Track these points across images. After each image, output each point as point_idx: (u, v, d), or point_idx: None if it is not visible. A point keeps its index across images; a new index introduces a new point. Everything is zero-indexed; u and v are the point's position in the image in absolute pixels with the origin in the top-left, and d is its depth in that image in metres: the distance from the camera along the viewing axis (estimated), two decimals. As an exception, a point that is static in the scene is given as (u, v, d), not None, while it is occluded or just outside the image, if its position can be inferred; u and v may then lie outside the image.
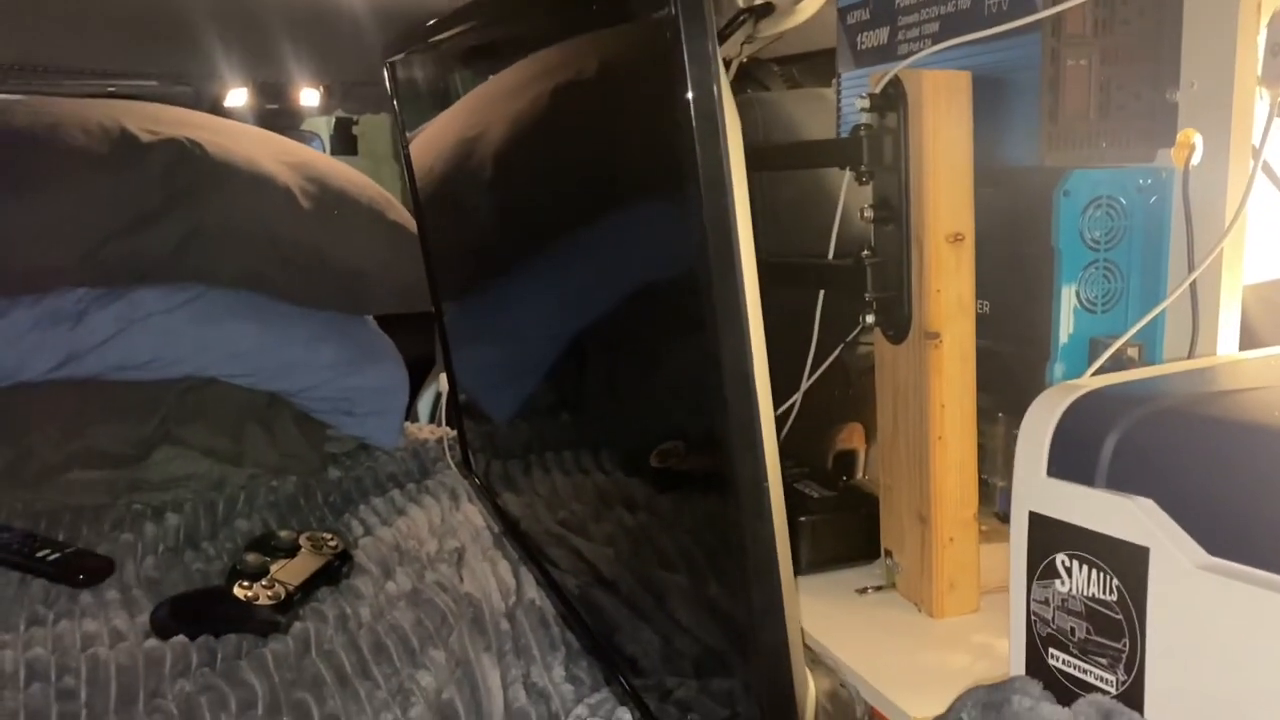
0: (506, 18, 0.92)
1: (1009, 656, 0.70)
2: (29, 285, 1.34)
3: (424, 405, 2.19)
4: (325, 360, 1.45)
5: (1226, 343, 0.84)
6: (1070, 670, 0.65)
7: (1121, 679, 0.61)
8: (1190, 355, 0.84)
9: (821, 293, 1.07)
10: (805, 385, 1.10)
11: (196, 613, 1.03)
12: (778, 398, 1.11)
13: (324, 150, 2.73)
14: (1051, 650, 0.66)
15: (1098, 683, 0.63)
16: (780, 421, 1.13)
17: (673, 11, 0.52)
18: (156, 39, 1.85)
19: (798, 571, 0.98)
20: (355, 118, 2.74)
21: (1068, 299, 0.87)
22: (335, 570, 1.12)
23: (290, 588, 1.05)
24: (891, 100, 0.86)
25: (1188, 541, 0.57)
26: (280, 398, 1.46)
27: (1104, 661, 0.62)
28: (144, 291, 1.36)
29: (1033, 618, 0.67)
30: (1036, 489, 0.66)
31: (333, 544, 1.15)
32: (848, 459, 1.24)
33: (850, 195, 0.96)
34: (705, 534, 0.73)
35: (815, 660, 0.85)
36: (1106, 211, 0.86)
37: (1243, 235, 0.83)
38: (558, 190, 0.92)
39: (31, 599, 1.09)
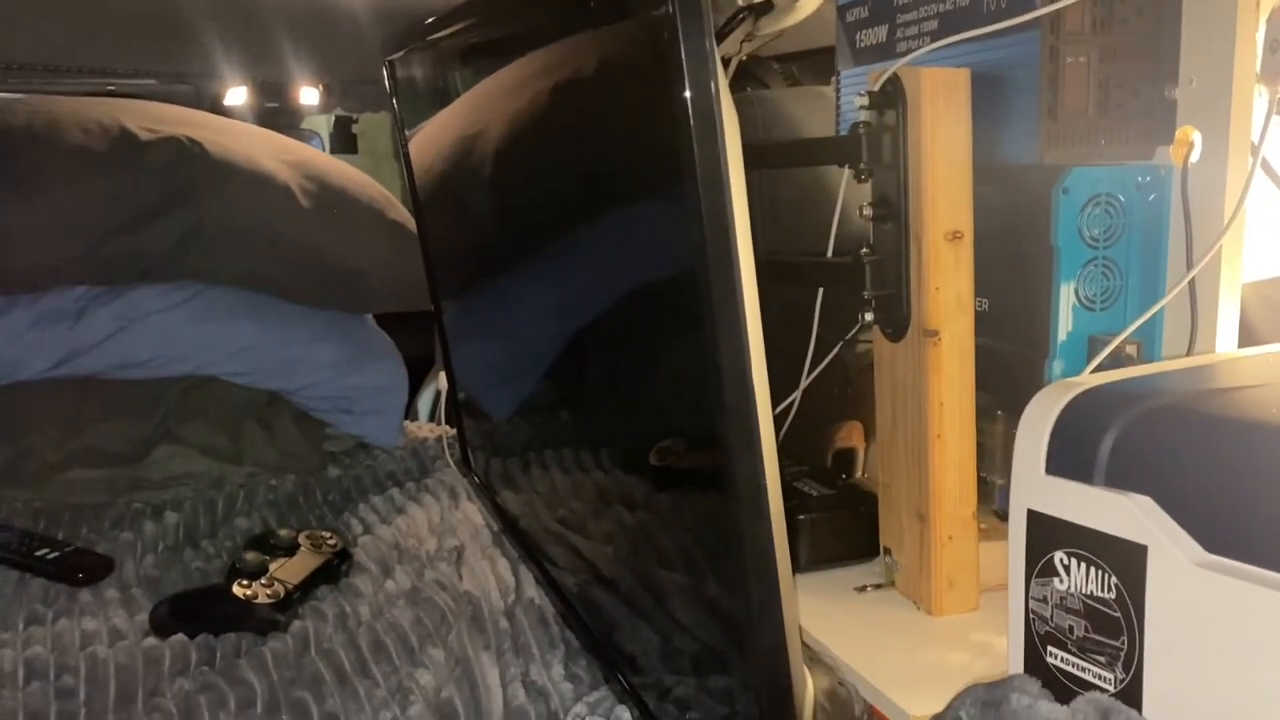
0: (505, 16, 0.92)
1: (1008, 654, 0.70)
2: (28, 284, 1.34)
3: (424, 403, 2.19)
4: (324, 359, 1.45)
5: (1225, 340, 0.84)
6: (1068, 668, 0.65)
7: (1120, 677, 0.61)
8: (1189, 353, 0.84)
9: (820, 290, 1.07)
10: (804, 383, 1.10)
11: (196, 611, 1.03)
12: (777, 396, 1.11)
13: (323, 149, 2.73)
14: (1050, 648, 0.66)
15: (1096, 681, 0.63)
16: (779, 419, 1.13)
17: (670, 9, 0.52)
18: (156, 38, 1.85)
19: (797, 569, 0.98)
20: (355, 116, 2.74)
21: (1066, 296, 0.87)
22: (334, 569, 1.12)
23: (289, 586, 1.05)
24: (890, 98, 0.85)
25: (1186, 539, 0.57)
26: (280, 396, 1.46)
27: (1102, 659, 0.62)
28: (143, 290, 1.36)
29: (1031, 616, 0.67)
30: (1035, 487, 0.66)
31: (332, 542, 1.15)
32: (847, 457, 1.24)
33: (849, 193, 0.96)
34: (704, 532, 0.73)
35: (814, 658, 0.85)
36: (1105, 209, 0.86)
37: (1241, 233, 0.83)
38: (556, 189, 0.92)
39: (30, 597, 1.09)
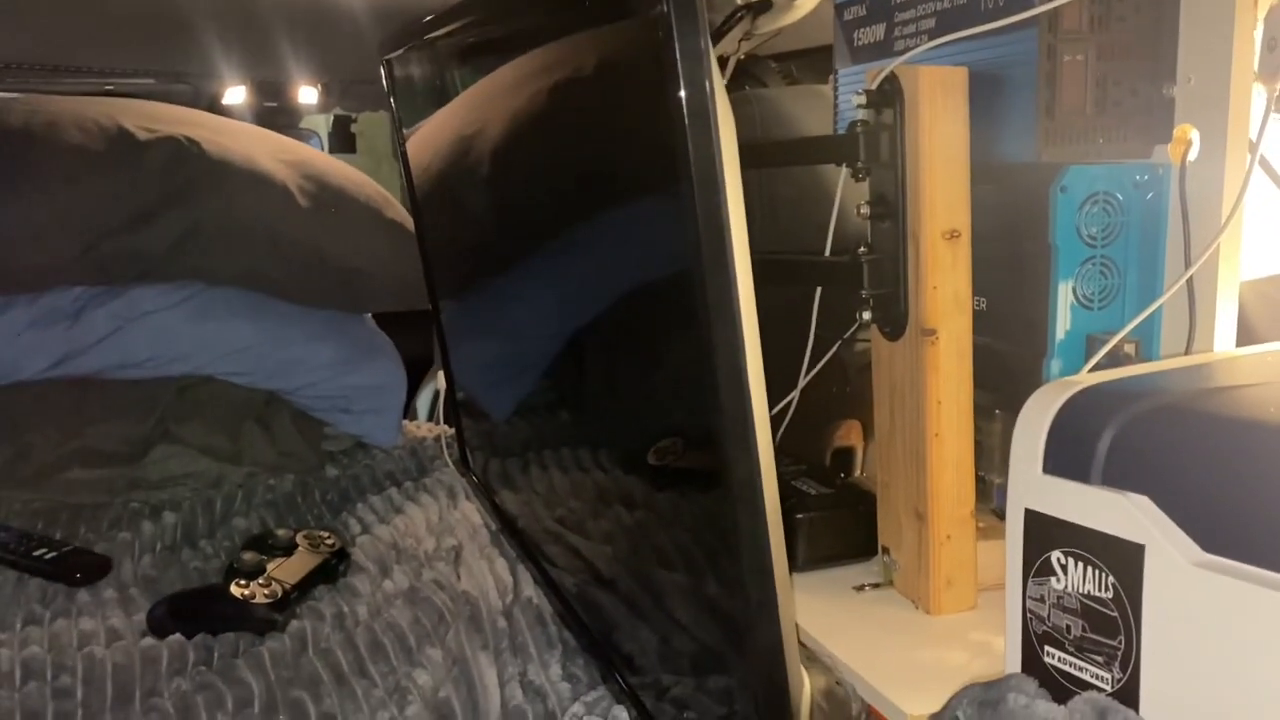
0: (502, 15, 0.92)
1: (1005, 654, 0.70)
2: (26, 283, 1.34)
3: (423, 403, 2.19)
4: (323, 358, 1.45)
5: (1223, 339, 0.84)
6: (1066, 668, 0.64)
7: (1117, 676, 0.61)
8: (1187, 351, 0.84)
9: (819, 289, 1.07)
10: (803, 382, 1.10)
11: (193, 611, 1.02)
12: (775, 395, 1.11)
13: (322, 148, 2.73)
14: (1047, 648, 0.66)
15: (1093, 680, 0.63)
16: (778, 418, 1.13)
17: (665, 9, 0.52)
18: (155, 37, 1.85)
19: (795, 569, 0.98)
20: (354, 115, 2.74)
21: (1064, 295, 0.87)
22: (332, 569, 1.12)
23: (287, 586, 1.05)
24: (888, 96, 0.85)
25: (1183, 539, 0.57)
26: (278, 396, 1.46)
27: (1099, 659, 0.62)
28: (141, 290, 1.36)
29: (1029, 615, 0.67)
30: (1032, 486, 0.66)
31: (330, 542, 1.14)
32: (846, 456, 1.24)
33: (847, 192, 0.96)
34: (701, 531, 0.73)
35: (811, 658, 0.85)
36: (1103, 207, 0.86)
37: (1239, 231, 0.83)
38: (554, 188, 0.92)
39: (28, 597, 1.09)
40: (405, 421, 1.59)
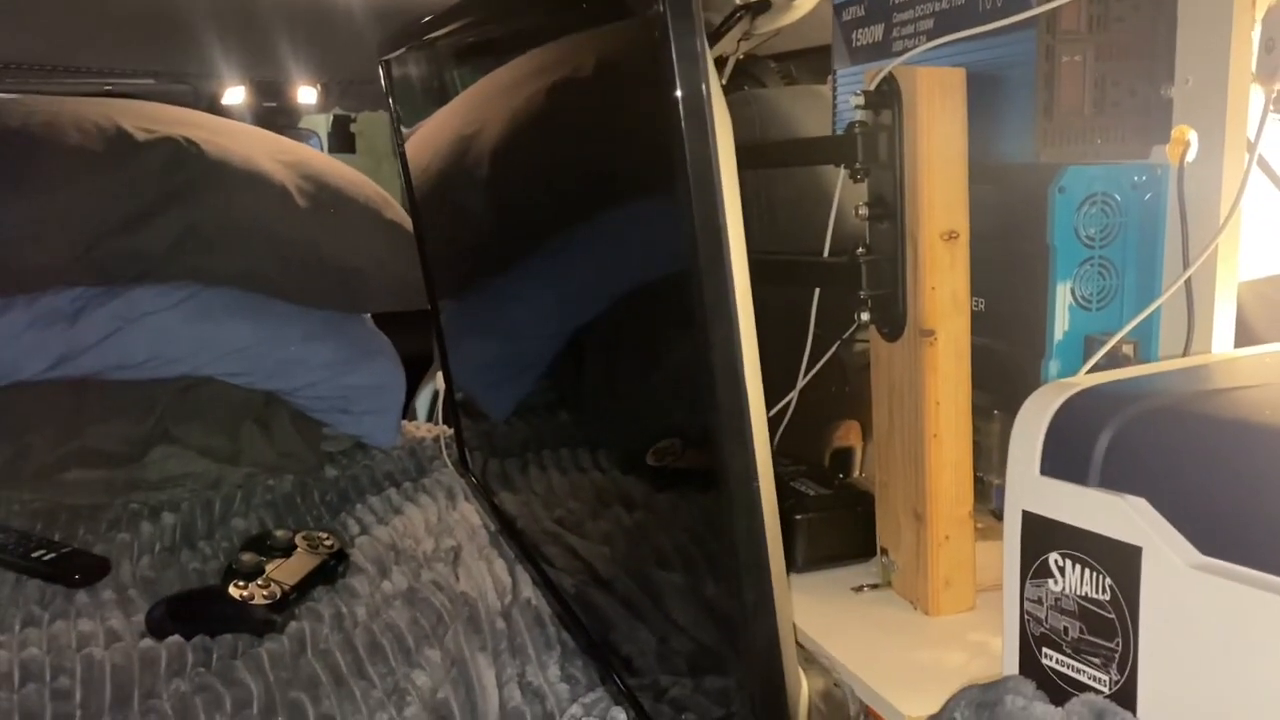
0: (500, 16, 0.92)
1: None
2: (25, 284, 1.34)
3: (422, 403, 2.19)
4: (322, 358, 1.44)
5: (1222, 339, 0.84)
6: (1063, 670, 0.64)
7: (1114, 678, 0.61)
8: (1185, 352, 0.84)
9: (817, 290, 1.07)
10: (801, 383, 1.10)
11: (192, 612, 1.02)
12: (774, 395, 1.11)
13: (321, 148, 2.73)
14: (1045, 649, 0.66)
15: (1091, 682, 0.63)
16: (777, 419, 1.13)
17: (661, 9, 0.52)
18: (154, 37, 1.85)
19: (794, 569, 0.98)
20: (353, 115, 2.75)
21: (1063, 296, 0.87)
22: (331, 569, 1.12)
23: (286, 587, 1.05)
24: (886, 97, 0.85)
25: (1180, 541, 0.57)
26: (277, 396, 1.46)
27: (1097, 661, 0.62)
28: (140, 290, 1.36)
29: (1026, 617, 0.67)
30: (1029, 488, 0.66)
31: (329, 543, 1.14)
32: (845, 456, 1.24)
33: (846, 192, 0.96)
34: (699, 532, 0.73)
35: (809, 659, 0.85)
36: (1101, 208, 0.86)
37: (1237, 232, 0.83)
38: (551, 188, 0.92)
39: (27, 599, 1.08)
40: (404, 422, 1.59)
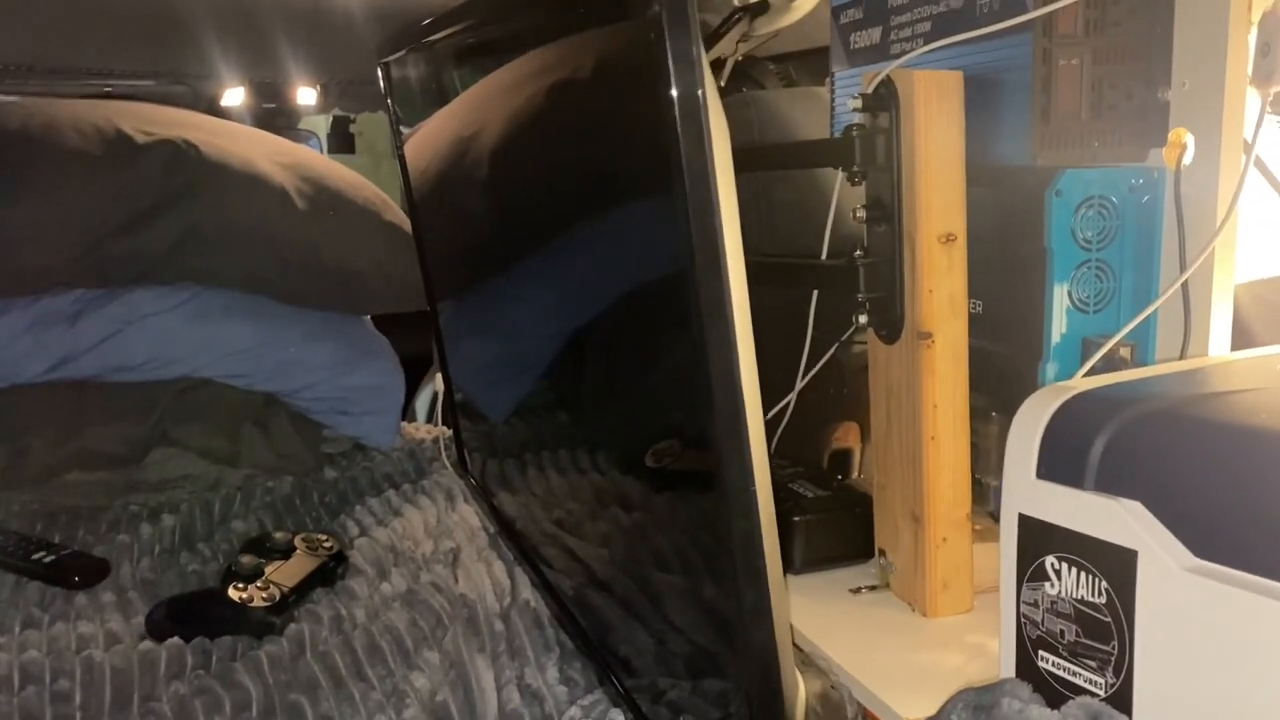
0: (499, 18, 0.92)
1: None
2: (25, 286, 1.34)
3: (422, 404, 2.19)
4: (321, 360, 1.45)
5: (1218, 342, 0.84)
6: (1059, 673, 0.65)
7: (1110, 681, 0.61)
8: (1182, 355, 0.84)
9: (815, 292, 1.07)
10: (800, 385, 1.10)
11: (191, 614, 1.03)
12: (773, 397, 1.11)
13: (320, 149, 2.73)
14: (1041, 652, 0.66)
15: (1087, 685, 0.63)
16: (776, 421, 1.13)
17: (657, 12, 0.52)
18: (153, 39, 1.85)
19: (792, 571, 0.98)
20: (352, 116, 2.75)
21: (1060, 299, 0.87)
22: (330, 571, 1.12)
23: (285, 589, 1.05)
24: (883, 100, 0.85)
25: (1175, 544, 0.57)
26: (276, 398, 1.46)
27: (1093, 664, 0.62)
28: (140, 292, 1.36)
29: (1022, 620, 0.67)
30: (1026, 491, 0.66)
31: (328, 545, 1.15)
32: (843, 458, 1.24)
33: (844, 195, 0.96)
34: (696, 534, 0.73)
35: (807, 661, 0.85)
36: (1098, 211, 0.86)
37: (1234, 235, 0.83)
38: (549, 190, 0.92)
39: (27, 601, 1.09)
40: (403, 423, 1.60)
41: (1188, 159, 0.82)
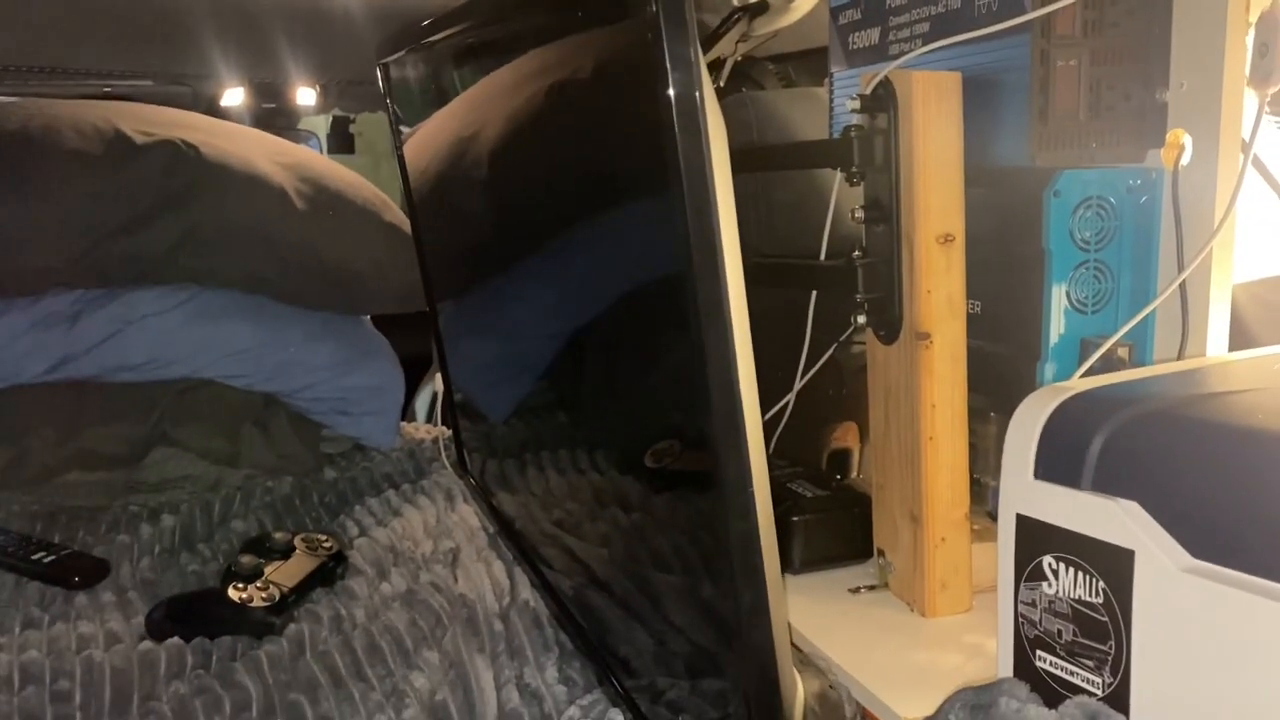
0: (497, 19, 0.92)
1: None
2: (24, 287, 1.34)
3: (421, 404, 2.19)
4: (321, 360, 1.45)
5: (1216, 343, 0.84)
6: (1057, 672, 0.65)
7: (1107, 681, 0.61)
8: (1180, 355, 0.84)
9: (814, 293, 1.07)
10: (799, 385, 1.10)
11: (191, 615, 1.03)
12: (772, 397, 1.11)
13: (320, 149, 2.73)
14: (1039, 652, 0.66)
15: (1084, 685, 0.63)
16: (775, 421, 1.13)
17: (654, 11, 0.52)
18: (153, 39, 1.85)
19: (791, 571, 0.98)
20: (352, 116, 2.75)
21: (1058, 299, 0.87)
22: (330, 571, 1.12)
23: (285, 589, 1.05)
24: (882, 101, 0.86)
25: (1172, 545, 0.57)
26: (276, 398, 1.46)
27: (1090, 664, 0.62)
28: (139, 293, 1.36)
29: (1020, 620, 0.67)
30: (1024, 491, 0.66)
31: (327, 545, 1.15)
32: (842, 458, 1.24)
33: (842, 196, 0.96)
34: (695, 534, 0.73)
35: (805, 661, 0.85)
36: (1096, 212, 0.86)
37: (1232, 235, 0.83)
38: (548, 190, 0.92)
39: (27, 601, 1.09)
40: (403, 423, 1.60)
41: (1186, 160, 0.82)
